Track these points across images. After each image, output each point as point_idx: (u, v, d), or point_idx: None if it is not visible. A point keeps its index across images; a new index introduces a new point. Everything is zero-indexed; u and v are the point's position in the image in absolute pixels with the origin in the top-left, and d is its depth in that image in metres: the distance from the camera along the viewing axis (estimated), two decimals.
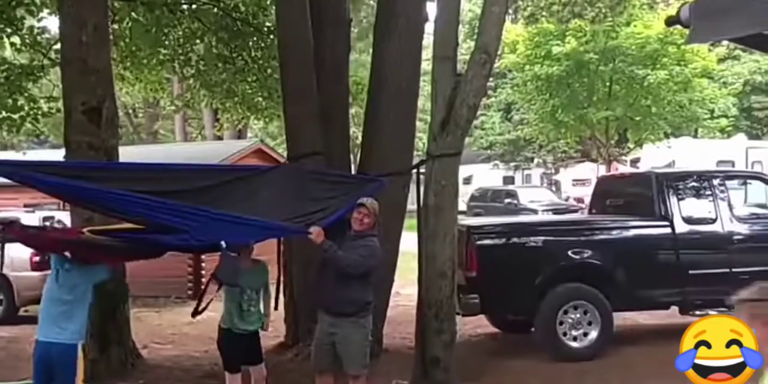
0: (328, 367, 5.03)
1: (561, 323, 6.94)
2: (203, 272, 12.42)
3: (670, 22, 2.90)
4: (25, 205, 10.93)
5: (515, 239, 7.35)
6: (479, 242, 7.13)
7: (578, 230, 7.73)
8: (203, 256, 12.15)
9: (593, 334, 6.96)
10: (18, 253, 10.20)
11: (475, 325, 8.41)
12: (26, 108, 9.75)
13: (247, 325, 5.42)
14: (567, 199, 27.66)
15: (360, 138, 8.17)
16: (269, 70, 11.03)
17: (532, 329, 7.33)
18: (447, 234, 6.07)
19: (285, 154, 9.43)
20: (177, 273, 11.67)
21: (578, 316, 6.98)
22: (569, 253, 7.18)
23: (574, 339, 6.97)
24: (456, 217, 6.36)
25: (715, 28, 2.68)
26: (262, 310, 5.49)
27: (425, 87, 11.19)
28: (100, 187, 4.40)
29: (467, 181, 29.84)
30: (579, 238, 7.45)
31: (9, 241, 4.70)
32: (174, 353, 7.98)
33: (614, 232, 7.67)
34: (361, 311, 4.94)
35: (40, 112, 9.93)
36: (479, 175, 34.23)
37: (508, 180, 34.89)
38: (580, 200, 26.30)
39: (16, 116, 9.69)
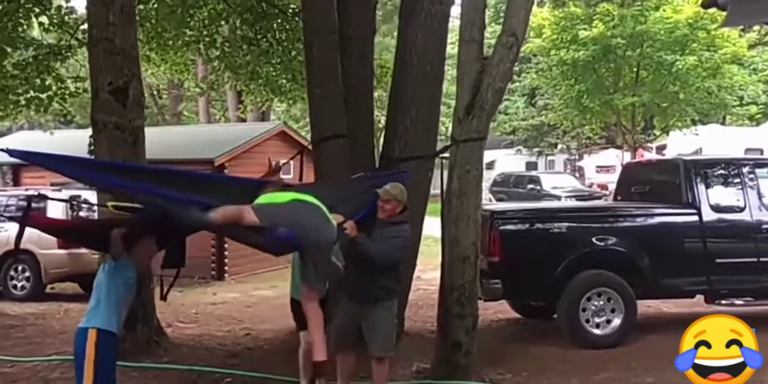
0: (351, 348, 5.03)
1: (584, 310, 6.91)
2: (226, 253, 12.56)
3: (707, 4, 2.85)
4: (52, 184, 11.06)
5: (539, 225, 7.31)
6: (502, 227, 7.10)
7: (602, 217, 7.67)
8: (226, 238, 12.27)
9: (616, 322, 6.92)
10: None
11: (496, 311, 8.41)
12: (54, 88, 9.84)
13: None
14: (590, 186, 27.45)
15: (383, 122, 8.12)
16: (293, 53, 11.01)
17: (554, 315, 7.31)
18: (470, 219, 6.04)
19: (308, 136, 9.45)
20: (201, 254, 11.78)
21: (601, 303, 6.94)
22: (593, 239, 7.12)
23: (597, 326, 6.93)
24: (480, 201, 6.31)
25: (753, 11, 2.62)
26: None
27: (449, 71, 11.14)
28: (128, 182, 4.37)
29: (490, 166, 29.69)
30: (603, 224, 7.38)
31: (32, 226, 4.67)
32: (197, 332, 8.07)
33: (639, 219, 7.59)
34: (389, 295, 4.99)
35: (67, 92, 10.03)
36: (502, 161, 34.08)
37: (531, 166, 34.68)
38: (603, 187, 26.11)
39: (43, 96, 9.79)
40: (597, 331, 6.92)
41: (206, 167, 12.48)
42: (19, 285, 10.86)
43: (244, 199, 4.55)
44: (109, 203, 4.61)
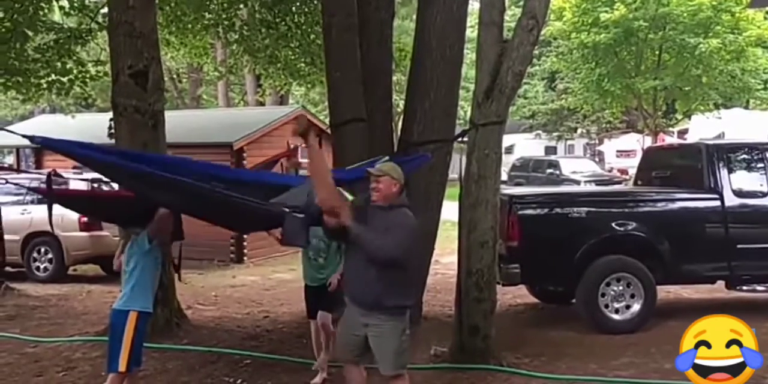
0: (354, 359, 4.37)
1: (603, 295, 6.87)
2: (245, 236, 12.63)
3: None
4: (74, 167, 11.17)
5: (558, 209, 7.25)
6: (521, 212, 7.06)
7: (623, 201, 7.60)
8: None
9: (636, 307, 6.88)
10: (67, 213, 10.53)
11: (515, 295, 8.41)
12: (75, 71, 9.90)
13: (314, 276, 5.55)
14: (610, 171, 27.23)
15: (402, 105, 8.09)
16: (312, 36, 10.98)
17: (573, 300, 7.29)
18: (489, 203, 6.01)
19: (327, 120, 9.44)
20: (220, 237, 11.86)
21: (621, 288, 6.91)
22: (613, 224, 7.07)
23: (616, 311, 6.90)
24: (498, 186, 6.28)
25: None
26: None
27: (468, 54, 11.04)
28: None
29: (509, 150, 29.58)
30: (623, 209, 7.31)
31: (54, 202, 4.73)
32: (217, 314, 8.16)
33: (660, 204, 7.52)
34: (397, 301, 4.12)
35: (88, 76, 10.08)
36: (521, 145, 33.89)
37: (551, 150, 34.47)
38: (624, 172, 25.90)
39: (64, 79, 9.85)
40: (616, 317, 6.89)
41: (225, 151, 12.54)
42: (41, 266, 11.02)
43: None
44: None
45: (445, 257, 9.50)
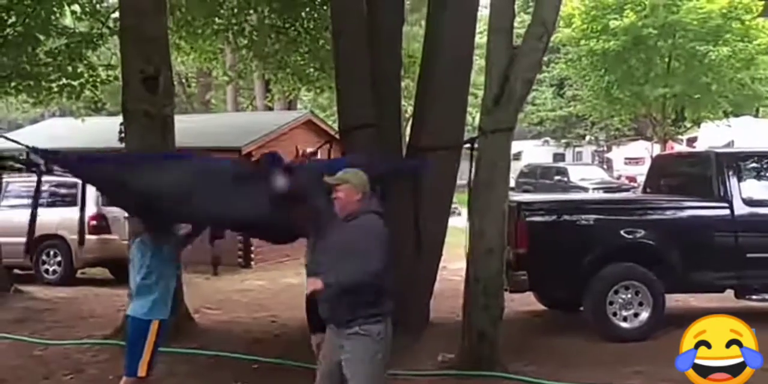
0: None
1: (611, 303, 6.84)
2: (253, 241, 12.65)
3: None
4: None
5: (566, 216, 7.24)
6: (529, 219, 7.05)
7: (631, 209, 7.59)
8: None
9: (644, 315, 6.85)
10: (76, 216, 10.57)
11: (522, 303, 8.37)
12: (85, 75, 9.97)
13: None
14: (619, 178, 27.17)
15: (410, 111, 8.10)
16: (321, 41, 11.01)
17: (581, 308, 7.26)
18: (497, 210, 6.02)
19: (336, 125, 9.46)
20: (228, 241, 11.88)
21: (629, 296, 6.87)
22: (621, 232, 7.05)
23: (624, 319, 6.87)
24: (507, 193, 6.29)
25: None
26: None
27: (477, 61, 11.06)
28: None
29: (517, 157, 29.48)
30: (632, 217, 7.30)
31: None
32: (224, 319, 8.16)
33: (669, 212, 7.50)
34: (367, 314, 3.69)
35: (98, 80, 10.15)
36: (529, 152, 33.85)
37: (559, 157, 34.42)
38: (632, 179, 25.83)
39: (75, 83, 9.92)
40: (624, 325, 6.86)
41: (233, 155, 12.55)
42: (50, 269, 11.06)
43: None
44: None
45: (453, 263, 9.47)
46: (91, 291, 10.12)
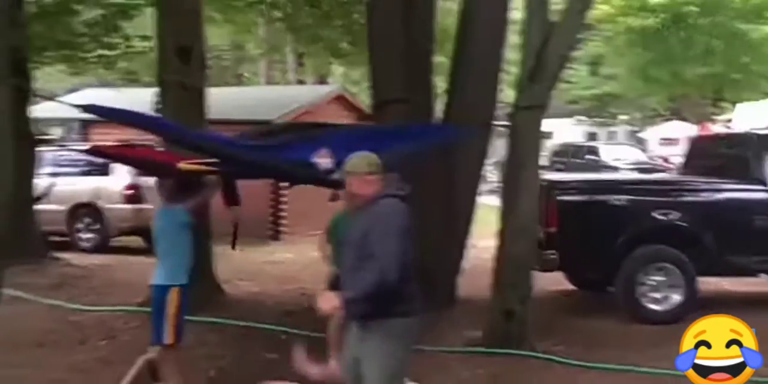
0: None
1: (642, 285, 6.77)
2: (283, 214, 12.78)
3: None
4: (118, 141, 11.36)
5: (599, 196, 7.16)
6: (561, 198, 6.99)
7: (666, 190, 7.48)
8: (282, 199, 12.50)
9: (675, 298, 6.76)
10: (111, 185, 10.76)
11: (552, 282, 8.33)
12: (121, 46, 10.04)
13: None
14: (653, 159, 26.73)
15: (443, 87, 8.03)
16: (355, 15, 10.95)
17: (611, 289, 7.21)
18: (529, 188, 5.97)
19: (367, 101, 9.43)
20: (258, 214, 12.00)
21: (661, 278, 6.80)
22: (655, 213, 6.96)
23: (655, 302, 6.80)
24: (539, 171, 6.24)
25: None
26: None
27: (512, 36, 10.89)
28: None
29: (549, 136, 29.16)
30: (666, 198, 7.20)
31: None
32: (255, 290, 8.26)
33: (705, 194, 7.36)
34: (393, 311, 3.36)
35: (133, 51, 10.22)
36: (562, 131, 33.39)
37: (592, 136, 33.94)
38: (667, 160, 25.39)
39: (111, 54, 10.01)
40: (655, 307, 6.79)
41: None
42: (85, 237, 11.29)
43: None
44: (181, 164, 4.76)
45: (483, 241, 9.45)
46: (125, 259, 10.30)
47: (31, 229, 9.54)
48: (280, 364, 5.30)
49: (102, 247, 11.12)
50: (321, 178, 4.64)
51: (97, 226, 11.17)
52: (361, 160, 3.55)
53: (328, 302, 3.31)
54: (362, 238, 3.39)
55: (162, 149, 6.31)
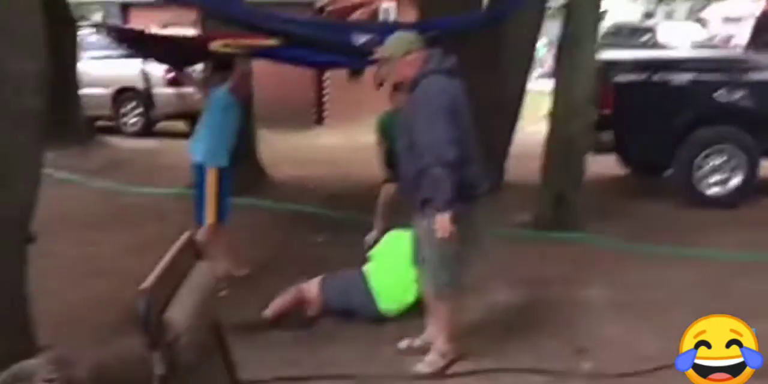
0: None
1: (700, 167, 6.52)
2: (326, 99, 12.62)
3: None
4: (162, 24, 11.12)
5: (657, 76, 6.76)
6: (616, 78, 6.65)
7: (729, 69, 7.00)
8: (325, 84, 12.28)
9: (734, 181, 6.52)
10: (153, 69, 10.62)
11: (605, 165, 8.10)
12: None
13: None
14: (714, 38, 25.36)
15: None
16: None
17: (667, 172, 6.96)
18: (584, 67, 5.71)
19: None
20: (301, 99, 11.86)
21: (720, 161, 6.53)
22: (717, 92, 6.58)
23: (714, 185, 6.57)
24: (595, 49, 5.90)
25: None
26: None
27: None
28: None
29: (603, 15, 27.78)
30: (729, 77, 6.76)
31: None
32: (298, 173, 8.24)
33: None
34: (448, 197, 3.25)
35: None
36: (616, 9, 31.71)
37: (648, 15, 32.24)
38: (728, 40, 24.07)
39: None
40: (713, 191, 6.57)
41: (305, 9, 12.17)
42: (130, 122, 11.32)
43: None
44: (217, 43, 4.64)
45: (531, 125, 9.19)
46: (170, 143, 10.34)
47: (77, 113, 9.58)
48: (325, 246, 5.30)
49: (147, 131, 11.16)
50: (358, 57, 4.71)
51: (141, 110, 11.16)
52: (397, 41, 3.44)
53: (444, 229, 3.24)
54: (410, 127, 3.35)
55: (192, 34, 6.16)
